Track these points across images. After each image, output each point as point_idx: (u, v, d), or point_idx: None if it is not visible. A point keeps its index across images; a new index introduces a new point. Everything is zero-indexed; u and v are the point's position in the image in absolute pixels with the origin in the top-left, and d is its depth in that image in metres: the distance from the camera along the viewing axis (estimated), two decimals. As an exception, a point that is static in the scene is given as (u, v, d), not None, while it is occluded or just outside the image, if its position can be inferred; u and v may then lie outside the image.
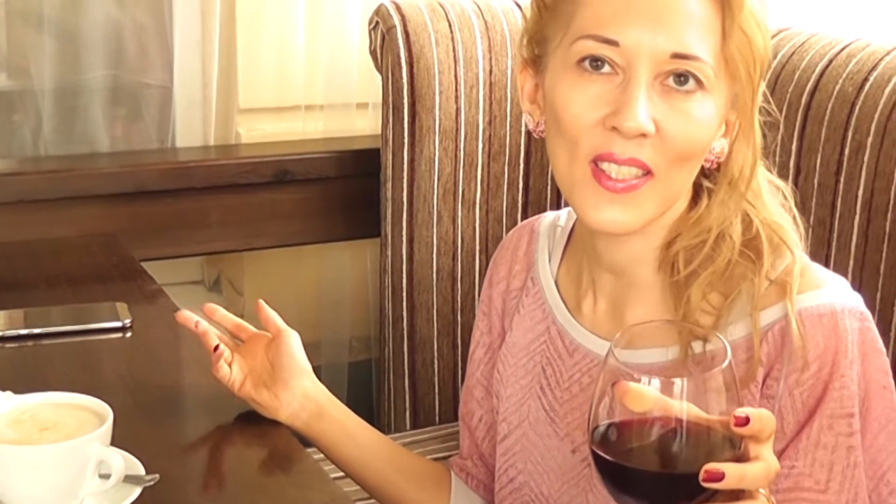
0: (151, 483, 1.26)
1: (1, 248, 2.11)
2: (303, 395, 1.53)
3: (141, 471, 1.28)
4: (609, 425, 1.03)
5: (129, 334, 1.77)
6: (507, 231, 2.27)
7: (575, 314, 1.44)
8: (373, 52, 2.27)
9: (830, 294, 1.28)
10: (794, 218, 1.33)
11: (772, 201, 1.33)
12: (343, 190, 2.44)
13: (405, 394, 2.33)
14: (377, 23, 2.23)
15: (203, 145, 2.45)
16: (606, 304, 1.41)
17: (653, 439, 1.01)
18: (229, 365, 1.51)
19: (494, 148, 2.26)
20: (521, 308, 1.51)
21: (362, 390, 2.57)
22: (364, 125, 2.51)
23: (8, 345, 1.73)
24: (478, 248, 2.30)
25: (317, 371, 2.64)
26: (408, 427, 2.33)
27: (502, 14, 2.26)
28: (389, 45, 2.20)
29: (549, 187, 2.30)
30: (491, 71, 2.23)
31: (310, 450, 1.52)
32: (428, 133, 2.21)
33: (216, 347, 1.50)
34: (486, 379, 1.58)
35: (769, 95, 1.39)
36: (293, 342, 1.55)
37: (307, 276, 2.67)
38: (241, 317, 2.62)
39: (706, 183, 1.32)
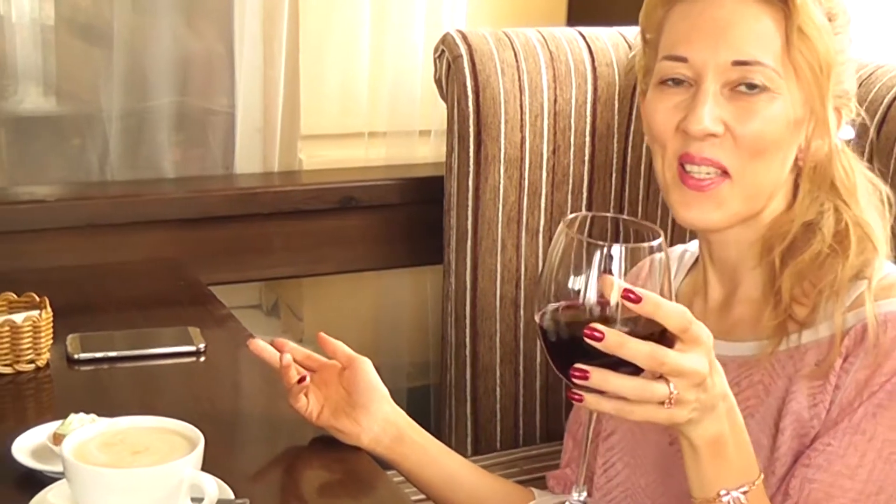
0: (242, 507, 1.27)
1: (69, 271, 2.13)
2: (383, 420, 1.54)
3: (230, 495, 1.29)
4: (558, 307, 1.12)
5: (202, 358, 1.78)
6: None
7: None
8: (438, 81, 2.28)
9: None
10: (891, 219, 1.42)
11: (867, 201, 1.40)
12: (406, 217, 2.45)
13: (466, 420, 2.34)
14: (443, 51, 2.24)
15: (266, 171, 2.47)
16: (715, 302, 1.49)
17: (586, 317, 1.10)
18: (306, 394, 1.52)
19: (558, 177, 2.27)
20: None
21: (420, 416, 2.54)
22: (426, 152, 2.53)
23: (83, 368, 1.75)
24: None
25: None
26: (469, 453, 2.33)
27: (566, 44, 2.27)
28: (455, 74, 2.21)
29: (611, 212, 2.30)
30: (555, 100, 2.24)
31: (389, 472, 1.53)
32: (493, 161, 2.22)
33: (301, 379, 1.51)
34: None
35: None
36: (368, 368, 1.57)
37: (366, 302, 2.68)
38: (300, 342, 2.67)
39: (800, 181, 1.42)
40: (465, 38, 2.22)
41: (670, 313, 1.11)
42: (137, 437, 1.27)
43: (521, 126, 2.22)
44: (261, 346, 1.57)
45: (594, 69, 2.27)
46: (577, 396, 1.13)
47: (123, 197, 2.29)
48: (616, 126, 2.28)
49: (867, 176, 1.43)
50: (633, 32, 2.34)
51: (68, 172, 2.40)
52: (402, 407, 2.63)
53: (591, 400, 1.13)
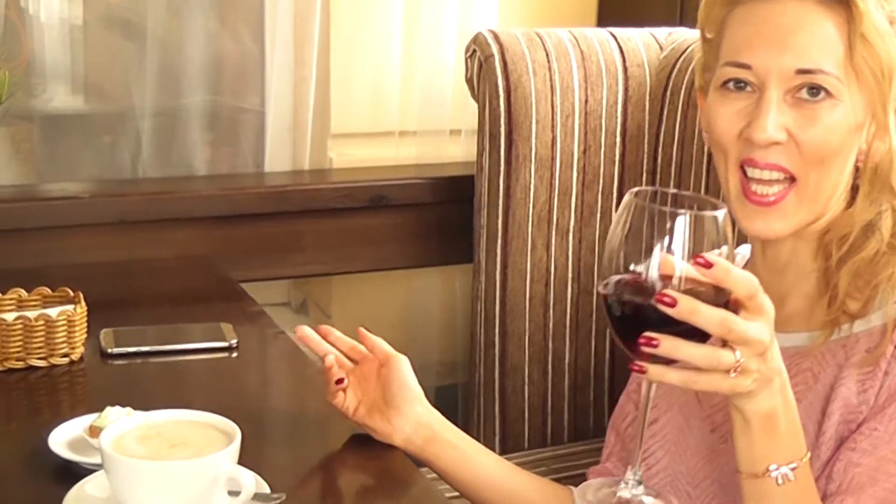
0: (278, 502, 1.27)
1: (102, 267, 2.15)
2: (416, 420, 1.54)
3: (267, 489, 1.30)
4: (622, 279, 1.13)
5: (235, 354, 1.79)
6: (599, 259, 2.29)
7: None
8: (469, 80, 2.28)
9: None
10: None
11: None
12: (436, 216, 2.46)
13: (495, 419, 2.34)
14: (474, 51, 2.25)
15: (297, 170, 2.48)
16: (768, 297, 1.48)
17: (652, 286, 1.11)
18: (343, 391, 1.52)
19: (588, 177, 2.27)
20: None
21: (448, 414, 2.56)
22: (456, 151, 2.54)
23: (117, 362, 1.76)
24: (570, 276, 2.31)
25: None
26: (497, 452, 2.29)
27: (598, 44, 2.28)
28: (487, 74, 2.22)
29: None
30: (586, 101, 2.24)
31: (423, 469, 1.53)
32: (524, 161, 2.22)
33: (340, 380, 1.52)
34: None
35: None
36: (404, 367, 1.57)
37: (394, 300, 2.69)
38: (330, 341, 2.68)
39: (859, 182, 1.43)
40: (496, 37, 2.23)
41: (739, 279, 1.12)
42: (174, 431, 1.28)
43: (552, 126, 2.23)
44: (308, 334, 1.57)
45: (625, 70, 2.28)
46: (639, 368, 1.14)
47: (156, 194, 2.31)
48: (647, 127, 2.28)
49: None
50: (663, 33, 2.35)
51: (100, 170, 2.41)
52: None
53: (654, 371, 1.14)
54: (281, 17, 2.44)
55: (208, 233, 2.29)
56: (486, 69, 2.22)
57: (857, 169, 1.40)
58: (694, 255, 1.10)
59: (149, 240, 2.24)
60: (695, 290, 1.11)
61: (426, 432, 1.55)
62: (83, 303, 1.76)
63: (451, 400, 2.64)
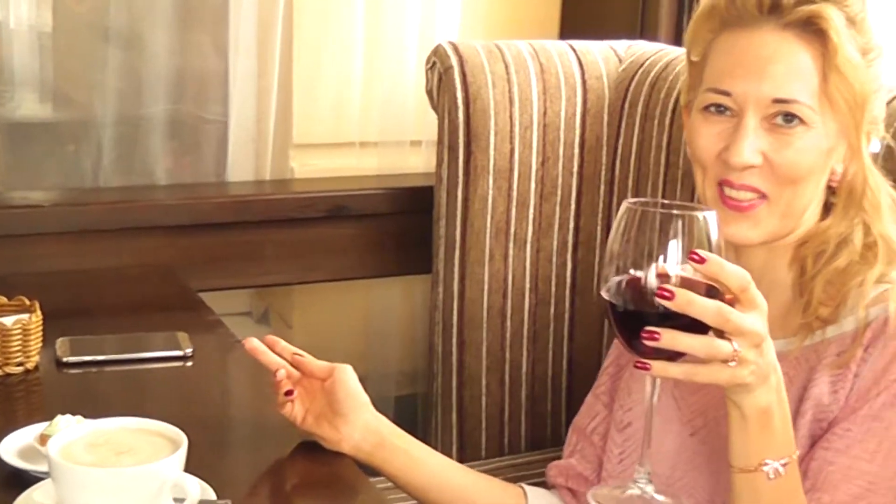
0: (223, 509, 1.29)
1: (63, 276, 2.16)
2: (364, 427, 1.56)
3: (212, 496, 1.31)
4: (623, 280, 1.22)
5: (190, 363, 1.80)
6: (557, 270, 2.31)
7: None
8: (429, 92, 2.30)
9: None
10: None
11: (889, 216, 1.49)
12: (396, 226, 2.48)
13: (452, 428, 2.36)
14: (434, 63, 2.27)
15: (258, 180, 2.49)
16: None
17: (651, 285, 1.20)
18: (292, 402, 1.55)
19: (546, 188, 2.29)
20: None
21: (408, 424, 2.56)
22: (417, 162, 2.55)
23: (72, 371, 1.77)
24: (528, 286, 2.33)
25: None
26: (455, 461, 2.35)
27: (557, 57, 2.30)
28: (446, 86, 2.24)
29: (598, 227, 2.33)
30: (545, 112, 2.26)
31: (375, 479, 1.55)
32: (482, 172, 2.24)
33: (289, 392, 1.54)
34: (613, 383, 1.70)
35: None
36: (346, 377, 1.58)
37: (355, 310, 2.70)
38: (291, 349, 2.69)
39: (832, 199, 1.51)
40: (456, 49, 2.25)
41: (732, 273, 1.19)
42: (122, 439, 1.29)
43: (511, 137, 2.25)
44: (256, 346, 1.59)
45: (584, 82, 2.30)
46: (643, 365, 1.21)
47: (117, 203, 2.32)
48: (605, 139, 2.30)
49: (890, 193, 1.50)
50: (623, 46, 2.37)
51: (63, 178, 2.42)
52: (389, 415, 2.66)
53: (658, 367, 1.21)
54: (245, 27, 2.45)
55: (169, 242, 2.30)
56: (445, 81, 2.24)
57: (830, 188, 1.49)
58: (689, 250, 1.18)
59: (109, 249, 2.25)
60: (690, 289, 1.18)
61: (374, 438, 1.57)
62: (39, 311, 1.77)
63: (411, 409, 2.66)
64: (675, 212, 1.19)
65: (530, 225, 2.31)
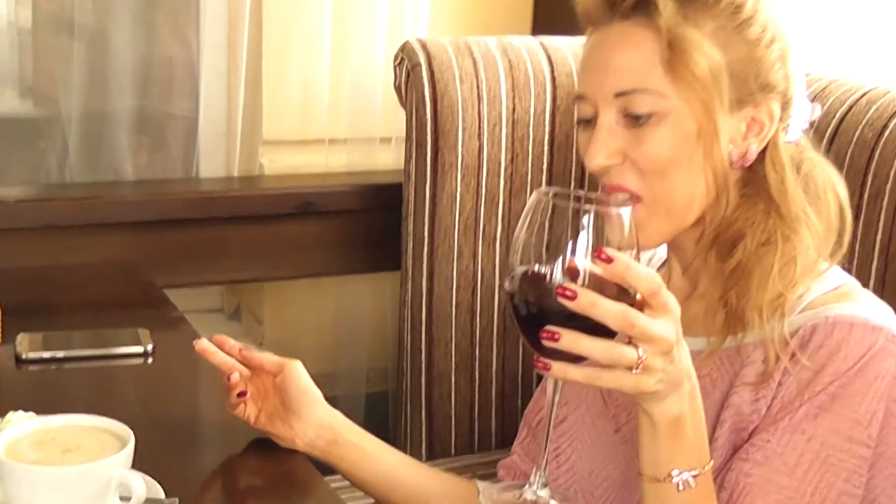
0: (170, 507, 1.28)
1: (26, 272, 2.14)
2: (317, 424, 1.55)
3: (161, 494, 1.30)
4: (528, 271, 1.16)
5: (150, 360, 1.79)
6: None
7: None
8: (397, 88, 2.29)
9: (870, 311, 1.35)
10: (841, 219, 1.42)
11: (801, 201, 1.40)
12: (365, 223, 2.46)
13: (422, 426, 2.35)
14: (402, 59, 2.26)
15: (226, 176, 2.48)
16: (679, 298, 1.46)
17: (556, 281, 1.13)
18: (245, 403, 1.53)
19: (516, 185, 2.28)
20: None
21: (379, 422, 2.57)
22: (387, 159, 2.54)
23: (31, 367, 1.76)
24: (497, 283, 2.31)
25: (333, 401, 2.64)
26: (423, 458, 2.34)
27: (526, 53, 2.29)
28: (414, 82, 2.22)
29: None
30: (514, 109, 2.25)
31: (330, 477, 1.54)
32: (450, 169, 2.23)
33: (242, 393, 1.52)
34: None
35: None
36: (297, 372, 1.56)
37: (326, 307, 2.69)
38: (261, 345, 2.68)
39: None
40: (424, 46, 2.24)
41: (640, 275, 1.12)
42: (69, 436, 1.28)
43: (479, 134, 2.24)
44: (206, 346, 1.57)
45: (553, 79, 2.29)
46: (543, 364, 1.14)
47: (83, 199, 2.30)
48: (574, 135, 2.29)
49: (814, 172, 1.42)
50: (592, 43, 2.36)
51: (30, 174, 2.40)
52: (360, 412, 2.69)
53: (558, 369, 1.14)
54: (214, 22, 2.44)
55: (136, 239, 2.29)
56: (413, 77, 2.23)
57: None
58: (596, 248, 1.11)
59: (75, 245, 2.23)
60: (599, 289, 1.12)
61: (328, 434, 1.56)
62: (-3, 308, 1.76)
63: (382, 407, 2.65)
64: (586, 207, 1.13)
65: (499, 222, 2.30)
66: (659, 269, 1.57)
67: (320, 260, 2.46)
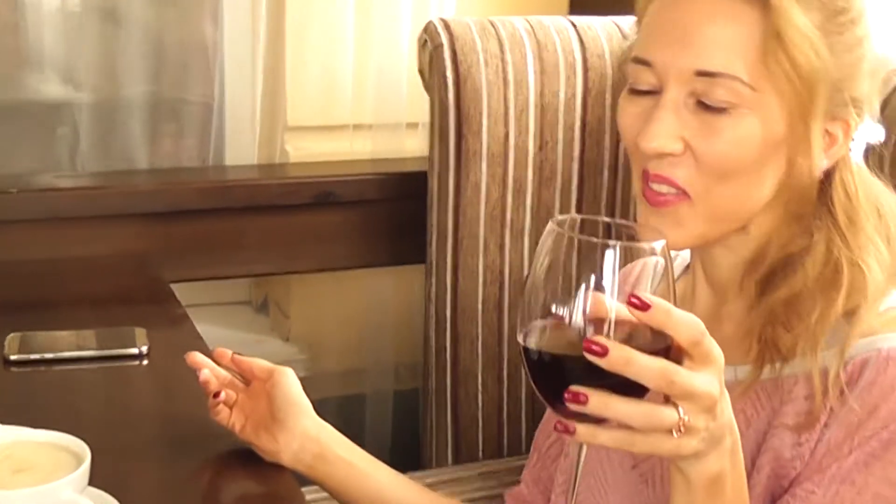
0: (128, 531, 1.18)
1: (30, 265, 2.06)
2: (303, 436, 1.43)
3: (118, 516, 1.21)
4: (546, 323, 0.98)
5: (145, 362, 1.70)
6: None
7: None
8: (421, 71, 2.18)
9: None
10: None
11: (874, 229, 1.25)
12: (388, 213, 2.34)
13: (447, 428, 2.24)
14: (426, 41, 2.14)
15: (243, 164, 2.38)
16: (702, 316, 1.28)
17: (579, 332, 0.96)
18: (231, 407, 1.43)
19: (545, 174, 2.16)
20: None
21: (408, 420, 2.47)
22: (414, 146, 2.42)
23: (18, 369, 1.68)
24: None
25: (361, 399, 2.58)
26: (449, 462, 2.23)
27: (556, 33, 2.16)
28: (436, 65, 2.11)
29: (602, 215, 2.19)
30: (542, 93, 2.13)
31: (307, 487, 1.46)
32: (474, 157, 2.11)
33: (216, 394, 1.42)
34: None
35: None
36: (286, 379, 1.45)
37: (353, 301, 2.58)
38: (287, 340, 2.59)
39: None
40: (447, 26, 2.12)
41: (682, 323, 0.96)
42: (24, 454, 1.20)
43: (506, 120, 2.12)
44: (199, 360, 1.46)
45: (585, 60, 2.16)
46: (565, 427, 0.97)
47: (89, 189, 2.21)
48: (608, 121, 2.16)
49: (881, 198, 1.26)
50: (628, 22, 2.23)
51: (38, 163, 2.32)
52: (388, 410, 2.58)
53: (584, 432, 0.97)
54: (237, 5, 2.34)
55: (148, 230, 2.19)
56: (435, 60, 2.11)
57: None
58: (628, 294, 0.94)
59: (84, 237, 2.14)
60: (630, 334, 0.96)
61: (315, 448, 1.44)
62: (-18, 306, 1.67)
63: (411, 405, 2.53)
64: (611, 242, 0.95)
65: (528, 213, 2.17)
66: (682, 275, 1.41)
67: (342, 252, 2.35)
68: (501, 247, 2.17)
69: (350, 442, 1.49)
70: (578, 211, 2.19)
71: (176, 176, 2.34)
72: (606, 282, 0.95)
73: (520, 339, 0.99)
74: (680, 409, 0.97)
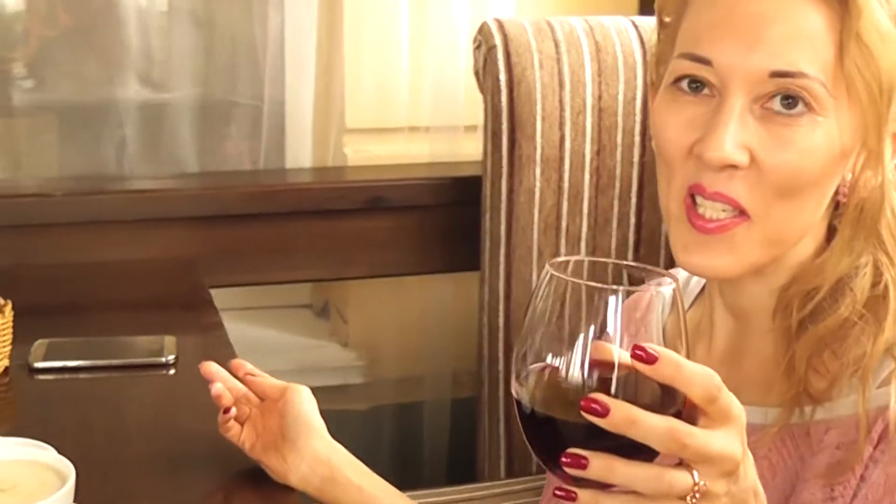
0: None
1: (70, 269, 2.04)
2: (312, 457, 1.36)
3: (102, 542, 1.15)
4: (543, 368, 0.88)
5: (171, 371, 1.66)
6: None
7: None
8: (476, 73, 2.11)
9: None
10: None
11: None
12: (442, 219, 2.27)
13: (500, 440, 2.16)
14: (480, 42, 2.07)
15: (293, 168, 2.32)
16: (722, 349, 1.23)
17: (578, 385, 0.86)
18: (242, 424, 1.37)
19: (603, 180, 2.08)
20: None
21: (467, 430, 2.39)
22: (472, 150, 2.35)
23: (43, 376, 1.64)
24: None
25: (419, 407, 2.51)
26: (502, 476, 2.16)
27: (615, 34, 2.08)
28: (490, 67, 2.04)
29: (663, 224, 2.09)
30: (600, 96, 2.05)
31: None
32: (528, 162, 2.04)
33: (227, 409, 1.36)
34: None
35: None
36: (298, 397, 1.38)
37: (412, 306, 2.52)
38: (346, 345, 2.53)
39: (837, 223, 1.15)
40: (501, 27, 2.05)
41: (694, 377, 0.84)
42: (10, 472, 1.15)
43: (561, 124, 2.03)
44: (213, 371, 1.39)
45: (646, 62, 2.07)
46: (566, 494, 0.86)
47: (133, 193, 2.17)
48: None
49: None
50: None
51: (84, 167, 2.29)
52: (446, 419, 2.51)
53: (587, 499, 0.85)
54: (298, 5, 2.29)
55: (193, 234, 2.15)
56: (489, 61, 2.04)
57: (836, 205, 1.14)
58: (632, 345, 0.83)
59: (122, 242, 2.10)
60: (637, 386, 0.85)
61: (324, 471, 1.36)
62: (6, 312, 1.63)
63: (470, 413, 2.46)
64: (613, 287, 0.86)
65: (584, 220, 2.09)
66: (698, 297, 1.31)
67: (392, 258, 2.28)
68: (556, 255, 2.09)
69: (363, 466, 1.42)
70: (638, 217, 2.11)
71: (224, 180, 2.29)
72: (609, 330, 0.85)
73: (514, 391, 0.89)
74: (695, 472, 0.85)
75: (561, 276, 0.89)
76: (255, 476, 1.37)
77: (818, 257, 1.14)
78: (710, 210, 1.09)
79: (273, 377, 1.42)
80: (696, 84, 1.09)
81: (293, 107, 2.34)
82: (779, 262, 1.14)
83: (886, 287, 1.10)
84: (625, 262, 0.94)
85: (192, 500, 1.34)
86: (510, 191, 2.06)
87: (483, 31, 2.06)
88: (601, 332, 0.85)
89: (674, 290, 0.87)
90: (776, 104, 1.06)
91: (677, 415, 0.85)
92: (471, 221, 2.16)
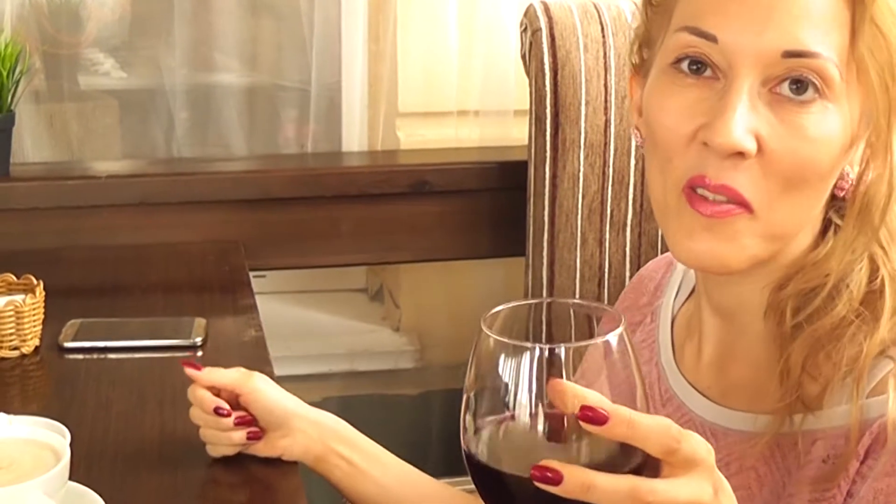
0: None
1: (113, 251, 2.06)
2: (304, 442, 1.36)
3: (100, 512, 1.16)
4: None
5: (199, 353, 1.66)
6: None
7: (679, 359, 1.21)
8: (523, 56, 2.08)
9: None
10: None
11: None
12: (488, 203, 2.24)
13: (545, 426, 2.14)
14: (526, 25, 2.04)
15: (337, 151, 2.32)
16: (711, 354, 1.17)
17: (536, 440, 0.80)
18: (241, 425, 1.36)
19: (648, 165, 2.04)
20: None
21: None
22: (523, 134, 2.32)
23: (72, 356, 1.66)
24: (628, 274, 2.07)
25: (468, 394, 2.49)
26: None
27: (663, 17, 2.04)
28: (535, 50, 2.01)
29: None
30: (647, 80, 2.01)
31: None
32: (572, 147, 2.01)
33: (228, 414, 1.34)
34: None
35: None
36: (258, 387, 1.36)
37: (462, 292, 2.50)
38: (398, 329, 2.52)
39: (835, 217, 1.08)
40: (546, 9, 2.02)
41: (650, 433, 0.78)
42: (9, 449, 1.16)
43: (606, 108, 2.00)
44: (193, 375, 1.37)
45: (694, 46, 2.03)
46: None
47: (179, 175, 2.17)
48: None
49: None
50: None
51: (132, 149, 2.30)
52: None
53: None
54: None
55: (238, 217, 2.15)
56: (534, 45, 2.01)
57: (832, 198, 1.07)
58: (580, 406, 0.77)
59: (169, 223, 2.12)
60: (593, 444, 0.79)
61: (318, 448, 1.36)
62: (37, 292, 1.65)
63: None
64: (527, 344, 0.79)
65: (630, 206, 2.05)
66: (684, 304, 1.25)
67: (438, 243, 2.26)
68: (601, 241, 2.06)
69: (355, 437, 1.40)
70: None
71: (270, 163, 2.29)
72: (537, 393, 0.79)
73: (463, 442, 0.82)
74: None
75: (487, 332, 0.83)
76: (253, 461, 1.37)
77: (812, 253, 1.07)
78: (712, 198, 1.01)
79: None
80: (698, 65, 1.02)
81: (347, 91, 2.33)
82: (772, 258, 1.07)
83: (883, 282, 1.04)
84: (574, 301, 0.90)
85: (188, 487, 1.34)
86: (553, 176, 2.03)
87: (529, 13, 2.04)
88: (539, 389, 0.79)
89: (619, 336, 0.80)
90: (785, 89, 0.99)
91: (643, 463, 0.80)
92: (518, 206, 2.13)
